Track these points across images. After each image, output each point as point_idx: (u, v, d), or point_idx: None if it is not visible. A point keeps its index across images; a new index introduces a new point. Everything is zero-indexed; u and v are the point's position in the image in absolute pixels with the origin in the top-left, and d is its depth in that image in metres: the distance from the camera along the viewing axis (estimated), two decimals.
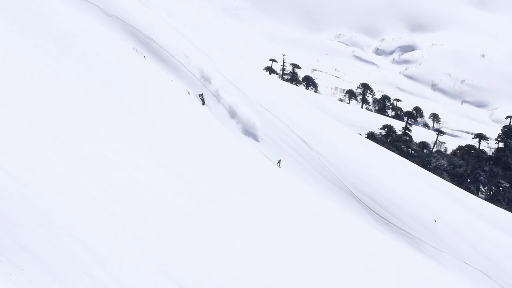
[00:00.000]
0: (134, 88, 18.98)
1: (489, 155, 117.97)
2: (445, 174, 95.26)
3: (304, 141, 28.85)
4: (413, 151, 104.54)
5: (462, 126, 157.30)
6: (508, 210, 50.37)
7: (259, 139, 26.74)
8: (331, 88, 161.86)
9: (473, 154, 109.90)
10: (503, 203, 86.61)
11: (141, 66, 23.26)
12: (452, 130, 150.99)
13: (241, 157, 21.86)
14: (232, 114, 26.91)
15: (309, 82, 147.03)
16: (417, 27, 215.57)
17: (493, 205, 43.14)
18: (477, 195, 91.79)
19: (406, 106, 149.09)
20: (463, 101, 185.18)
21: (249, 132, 26.77)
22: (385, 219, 26.32)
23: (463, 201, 35.90)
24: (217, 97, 27.27)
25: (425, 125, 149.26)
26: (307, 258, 13.29)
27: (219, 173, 16.73)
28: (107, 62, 19.79)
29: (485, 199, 77.82)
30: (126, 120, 15.34)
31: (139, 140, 14.14)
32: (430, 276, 21.12)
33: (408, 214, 27.34)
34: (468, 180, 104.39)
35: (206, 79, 27.56)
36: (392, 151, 52.64)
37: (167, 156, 14.49)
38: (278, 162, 26.34)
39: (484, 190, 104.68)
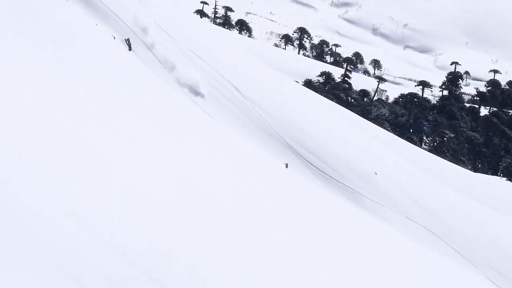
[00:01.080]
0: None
1: (433, 103, 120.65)
2: (387, 124, 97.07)
3: (237, 89, 28.61)
4: (352, 100, 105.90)
5: (405, 73, 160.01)
6: (453, 162, 51.79)
7: (193, 88, 26.42)
8: (266, 33, 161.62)
9: (416, 103, 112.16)
10: (447, 154, 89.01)
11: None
12: (394, 77, 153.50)
13: (164, 102, 21.46)
14: (163, 62, 26.51)
15: (242, 26, 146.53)
16: None
17: (437, 157, 44.22)
18: (420, 146, 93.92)
19: (346, 52, 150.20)
20: (406, 47, 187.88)
21: (181, 82, 26.43)
22: (323, 172, 26.50)
23: (405, 153, 36.57)
24: (149, 46, 26.77)
25: (366, 72, 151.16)
26: (238, 211, 13.17)
27: (142, 116, 16.39)
28: None
29: (429, 150, 79.69)
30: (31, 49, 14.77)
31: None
32: (369, 231, 21.37)
33: (347, 166, 27.60)
34: (411, 130, 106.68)
35: (137, 26, 27.00)
36: (331, 100, 53.01)
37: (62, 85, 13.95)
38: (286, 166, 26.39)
39: (427, 141, 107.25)
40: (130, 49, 25.82)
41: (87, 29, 22.95)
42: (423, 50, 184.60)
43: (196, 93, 27.09)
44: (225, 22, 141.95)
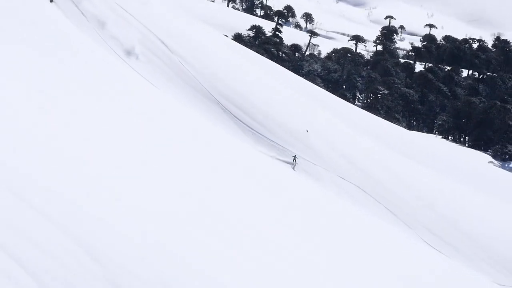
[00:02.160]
0: None
1: (366, 59, 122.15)
2: (319, 79, 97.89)
3: (164, 43, 28.54)
4: (284, 55, 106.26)
5: (338, 27, 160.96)
6: (387, 119, 52.73)
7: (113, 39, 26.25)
8: None
9: (349, 58, 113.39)
10: (381, 111, 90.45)
11: None
12: (327, 31, 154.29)
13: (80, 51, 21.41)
14: (90, 19, 26.23)
15: None
16: None
17: (371, 114, 44.86)
18: (353, 102, 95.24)
19: (276, 5, 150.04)
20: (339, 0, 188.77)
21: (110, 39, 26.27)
22: (252, 129, 26.75)
23: (338, 110, 37.00)
24: (75, 2, 26.40)
25: (297, 26, 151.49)
26: (163, 171, 13.43)
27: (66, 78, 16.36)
28: None
29: (362, 107, 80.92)
30: None
31: None
32: (301, 190, 21.87)
33: (278, 123, 27.90)
34: (344, 86, 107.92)
35: None
36: (261, 54, 53.18)
37: None
38: (294, 159, 26.46)
39: (361, 98, 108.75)
40: (51, 0, 25.39)
41: None
42: (356, 4, 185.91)
43: (126, 51, 26.95)
44: None
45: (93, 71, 20.52)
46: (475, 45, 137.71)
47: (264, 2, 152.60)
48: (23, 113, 12.23)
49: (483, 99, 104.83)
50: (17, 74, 14.03)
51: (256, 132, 26.71)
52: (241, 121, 26.79)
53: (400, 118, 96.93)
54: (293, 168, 26.27)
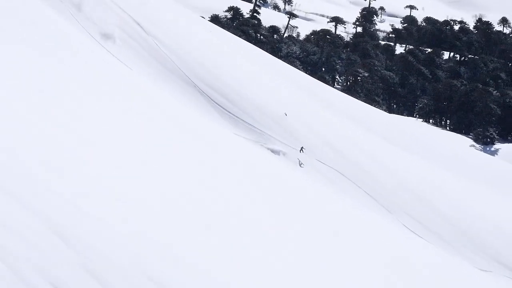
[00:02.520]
0: None
1: (346, 41, 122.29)
2: (298, 62, 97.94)
3: (139, 24, 28.41)
4: (262, 37, 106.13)
5: (317, 9, 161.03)
6: (366, 102, 52.93)
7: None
8: None
9: (329, 40, 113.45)
10: (361, 94, 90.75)
11: None
12: (306, 13, 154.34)
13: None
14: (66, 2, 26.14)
15: None
16: None
17: (351, 97, 44.99)
18: (333, 85, 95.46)
19: None
20: None
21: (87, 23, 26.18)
22: (230, 112, 26.76)
23: (317, 93, 37.07)
24: None
25: (276, 7, 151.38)
26: (137, 157, 13.44)
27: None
28: None
29: (342, 90, 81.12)
30: None
31: None
32: (279, 175, 21.93)
33: (256, 107, 27.91)
34: (323, 69, 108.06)
35: None
36: (239, 36, 53.09)
37: None
38: (301, 150, 26.71)
39: (340, 80, 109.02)
40: None
41: None
42: None
43: (103, 34, 26.87)
44: None
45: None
46: (456, 27, 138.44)
47: None
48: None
49: (464, 82, 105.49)
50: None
51: (235, 116, 26.70)
52: (218, 104, 26.77)
53: (380, 101, 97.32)
54: (300, 164, 26.56)
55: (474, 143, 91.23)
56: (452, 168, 35.81)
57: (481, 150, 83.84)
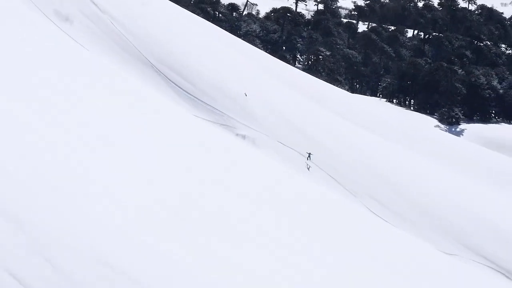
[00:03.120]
0: None
1: (307, 18, 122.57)
2: (258, 40, 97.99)
3: (93, 2, 28.25)
4: (220, 15, 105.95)
5: None
6: (328, 82, 53.18)
7: None
8: None
9: (289, 18, 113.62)
10: (323, 73, 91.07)
11: None
12: None
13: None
14: None
15: None
16: None
17: (312, 76, 45.14)
18: (294, 65, 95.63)
19: None
20: None
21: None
22: (189, 93, 26.75)
23: (277, 72, 37.15)
24: None
25: None
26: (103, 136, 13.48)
27: None
28: None
29: (303, 69, 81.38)
30: None
31: None
32: (241, 157, 22.00)
33: (215, 87, 27.92)
34: (284, 47, 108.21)
35: None
36: (197, 14, 52.95)
37: None
38: (308, 157, 27.08)
39: (301, 59, 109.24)
40: None
41: None
42: None
43: (59, 14, 26.66)
44: None
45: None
46: (420, 4, 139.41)
47: None
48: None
49: (429, 60, 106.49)
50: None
51: (194, 97, 26.70)
52: (176, 84, 26.73)
53: (343, 81, 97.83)
54: (308, 168, 26.94)
55: (439, 124, 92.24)
56: (417, 149, 36.18)
57: (446, 131, 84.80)
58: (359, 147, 32.07)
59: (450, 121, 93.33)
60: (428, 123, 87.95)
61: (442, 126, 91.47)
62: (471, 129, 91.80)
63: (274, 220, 15.69)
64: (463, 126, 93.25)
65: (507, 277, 29.22)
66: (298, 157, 27.70)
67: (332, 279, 13.57)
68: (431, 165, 34.58)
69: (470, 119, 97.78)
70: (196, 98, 26.74)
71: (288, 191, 20.90)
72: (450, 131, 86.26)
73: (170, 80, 26.76)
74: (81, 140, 13.08)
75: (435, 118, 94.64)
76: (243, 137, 25.97)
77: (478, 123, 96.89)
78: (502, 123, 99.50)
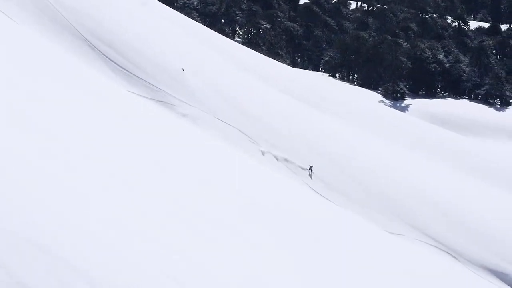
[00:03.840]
0: None
1: None
2: (195, 13, 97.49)
3: None
4: None
5: None
6: (269, 56, 53.28)
7: None
8: None
9: None
10: (263, 47, 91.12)
11: None
12: None
13: None
14: None
15: None
16: None
17: (252, 50, 45.21)
18: (233, 38, 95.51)
19: None
20: None
21: None
22: (123, 68, 26.63)
23: (216, 46, 37.13)
24: None
25: None
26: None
27: None
28: None
29: (243, 43, 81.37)
30: None
31: None
32: (178, 132, 22.08)
33: (151, 62, 27.86)
34: (223, 20, 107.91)
35: None
36: None
37: None
38: (310, 169, 28.00)
39: (241, 33, 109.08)
40: None
41: None
42: None
43: None
44: None
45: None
46: None
47: None
48: None
49: (372, 34, 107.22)
50: None
51: (128, 72, 26.59)
52: (111, 60, 26.60)
53: (284, 55, 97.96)
54: (310, 177, 27.38)
55: (383, 99, 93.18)
56: (361, 126, 36.55)
57: (390, 106, 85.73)
58: (302, 125, 32.25)
59: (394, 96, 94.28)
60: (372, 98, 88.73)
61: (387, 101, 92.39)
62: (416, 104, 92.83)
63: (210, 199, 15.84)
64: (408, 101, 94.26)
65: (453, 256, 29.86)
66: (236, 133, 27.74)
67: (271, 258, 13.77)
68: (375, 142, 34.98)
69: (415, 94, 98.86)
70: (131, 73, 26.63)
71: (223, 163, 21.06)
72: (394, 107, 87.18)
73: (104, 55, 26.59)
74: (10, 115, 13.00)
75: (379, 93, 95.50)
76: (183, 115, 25.97)
77: (423, 98, 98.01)
78: (448, 98, 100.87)
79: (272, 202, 19.36)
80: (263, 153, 27.57)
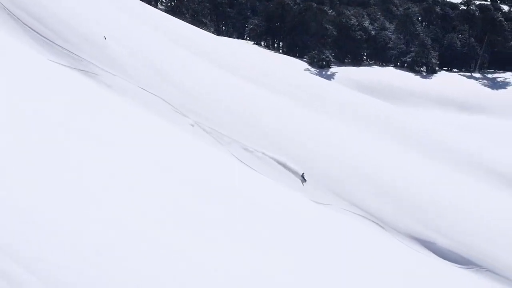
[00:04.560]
0: None
1: None
2: None
3: None
4: None
5: None
6: (193, 24, 53.29)
7: None
8: None
9: None
10: (187, 15, 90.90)
11: None
12: None
13: None
14: None
15: None
16: None
17: (176, 19, 45.13)
18: (156, 6, 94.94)
19: None
20: None
21: None
22: (43, 37, 26.48)
23: (139, 14, 37.01)
24: None
25: None
26: None
27: None
28: None
29: (165, 11, 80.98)
30: None
31: None
32: (102, 104, 22.16)
33: (72, 30, 27.70)
34: None
35: None
36: None
37: None
38: (302, 176, 28.94)
39: (163, 0, 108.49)
40: None
41: None
42: None
43: None
44: None
45: None
46: None
47: None
48: None
49: (297, 1, 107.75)
50: None
51: (49, 40, 26.45)
52: (30, 27, 26.43)
53: (208, 23, 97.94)
54: (303, 184, 28.10)
55: (309, 67, 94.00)
56: (285, 93, 36.96)
57: (316, 74, 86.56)
58: (227, 94, 32.50)
59: (320, 64, 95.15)
60: (297, 66, 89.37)
61: (312, 69, 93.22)
62: (342, 72, 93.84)
63: (138, 165, 16.13)
64: (334, 69, 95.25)
65: (380, 226, 30.62)
66: (161, 102, 27.87)
67: (187, 227, 14.12)
68: (299, 110, 35.44)
69: (341, 62, 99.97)
70: (52, 41, 26.51)
71: (153, 137, 21.28)
72: (320, 75, 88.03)
73: (23, 23, 26.39)
74: None
75: (305, 61, 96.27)
76: (107, 85, 25.99)
77: (349, 66, 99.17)
78: (374, 66, 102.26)
79: (195, 172, 19.65)
80: (192, 125, 27.81)
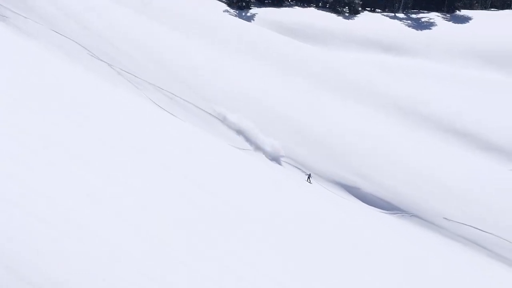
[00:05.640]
0: None
1: None
2: None
3: None
4: None
5: None
6: None
7: None
8: None
9: None
10: None
11: None
12: None
13: None
14: None
15: None
16: None
17: None
18: None
19: None
20: None
21: None
22: None
23: None
24: None
25: None
26: None
27: None
28: None
29: None
30: None
31: None
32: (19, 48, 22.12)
33: None
34: None
35: None
36: None
37: None
38: (308, 177, 29.86)
39: None
40: None
41: None
42: None
43: None
44: None
45: None
46: None
47: None
48: None
49: None
50: None
51: None
52: None
53: None
54: (309, 182, 29.88)
55: (228, 8, 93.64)
56: (205, 36, 37.15)
57: (236, 16, 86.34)
58: (141, 38, 32.54)
59: (240, 6, 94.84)
60: (216, 8, 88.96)
61: (232, 10, 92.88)
62: (262, 13, 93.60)
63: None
64: (254, 10, 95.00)
65: (302, 171, 31.38)
66: (76, 47, 27.83)
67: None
68: (217, 54, 35.69)
69: (261, 3, 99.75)
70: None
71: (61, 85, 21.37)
72: (240, 16, 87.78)
73: None
74: None
75: (224, 2, 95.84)
76: (18, 28, 25.84)
77: (269, 7, 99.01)
78: (296, 7, 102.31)
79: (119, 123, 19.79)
80: (119, 73, 27.89)
